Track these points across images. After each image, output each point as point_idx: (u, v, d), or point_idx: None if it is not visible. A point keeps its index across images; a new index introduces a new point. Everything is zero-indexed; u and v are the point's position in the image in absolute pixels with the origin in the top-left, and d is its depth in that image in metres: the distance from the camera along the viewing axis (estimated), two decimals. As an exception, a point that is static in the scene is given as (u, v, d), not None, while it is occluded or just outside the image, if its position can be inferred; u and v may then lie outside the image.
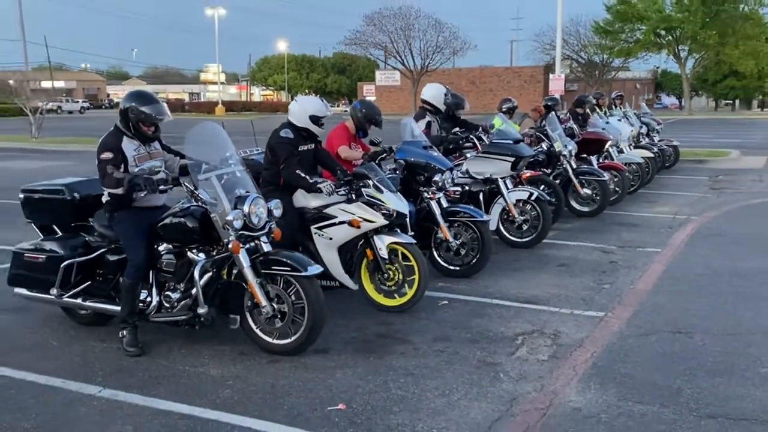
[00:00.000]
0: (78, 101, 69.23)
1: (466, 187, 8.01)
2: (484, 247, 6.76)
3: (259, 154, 6.84)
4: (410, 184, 6.71)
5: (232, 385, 4.40)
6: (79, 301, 5.22)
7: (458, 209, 6.89)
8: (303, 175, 5.67)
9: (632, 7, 54.46)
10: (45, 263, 5.19)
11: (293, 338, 4.77)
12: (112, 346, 5.05)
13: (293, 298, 4.75)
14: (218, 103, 62.26)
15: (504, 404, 4.11)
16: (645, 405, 4.08)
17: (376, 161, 6.54)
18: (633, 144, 12.96)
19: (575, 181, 9.81)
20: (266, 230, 4.85)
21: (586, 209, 10.03)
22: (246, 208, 4.66)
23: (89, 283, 5.23)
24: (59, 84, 68.65)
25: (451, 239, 6.74)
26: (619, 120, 12.85)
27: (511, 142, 8.15)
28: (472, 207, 7.08)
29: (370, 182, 5.73)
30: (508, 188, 8.08)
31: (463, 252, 6.82)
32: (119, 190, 4.78)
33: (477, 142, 8.22)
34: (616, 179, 10.73)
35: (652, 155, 13.00)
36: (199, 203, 4.74)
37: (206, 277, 4.77)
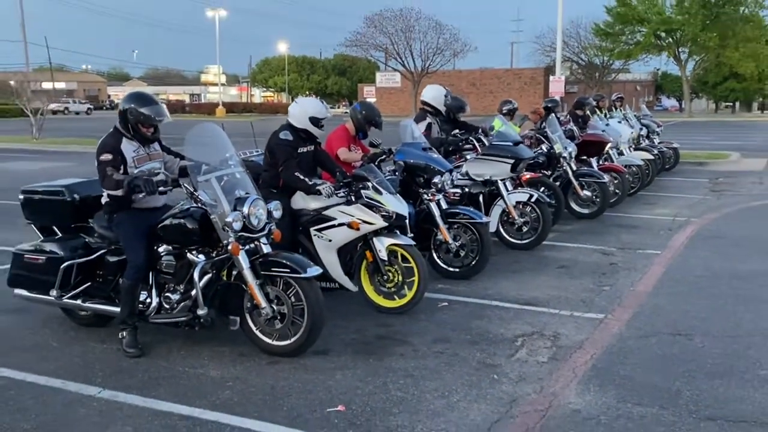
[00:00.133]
0: (85, 102, 70.04)
1: (466, 189, 8.02)
2: (483, 249, 6.76)
3: (259, 155, 6.84)
4: (410, 186, 6.71)
5: (231, 386, 4.40)
6: (78, 302, 5.22)
7: (457, 211, 6.89)
8: (302, 177, 5.67)
9: (632, 9, 54.49)
10: (45, 264, 5.19)
11: (293, 339, 4.77)
12: (112, 347, 5.05)
13: (293, 299, 4.75)
14: (219, 105, 62.29)
15: (503, 406, 4.12)
16: (644, 407, 4.08)
17: (376, 163, 6.54)
18: (633, 146, 12.96)
19: (575, 182, 9.82)
20: (266, 232, 4.85)
21: (586, 211, 10.03)
22: (245, 210, 4.66)
23: (89, 284, 5.23)
24: (60, 85, 68.75)
25: (450, 241, 6.74)
26: (619, 122, 12.85)
27: (510, 144, 8.15)
28: (471, 209, 7.08)
29: (370, 184, 5.74)
30: (507, 190, 8.09)
31: (462, 254, 6.82)
32: (119, 192, 4.79)
33: (477, 144, 8.22)
34: (616, 181, 10.74)
35: (652, 157, 12.99)
36: (199, 204, 4.74)
37: (206, 278, 4.77)
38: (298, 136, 5.92)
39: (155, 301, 4.96)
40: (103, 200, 5.07)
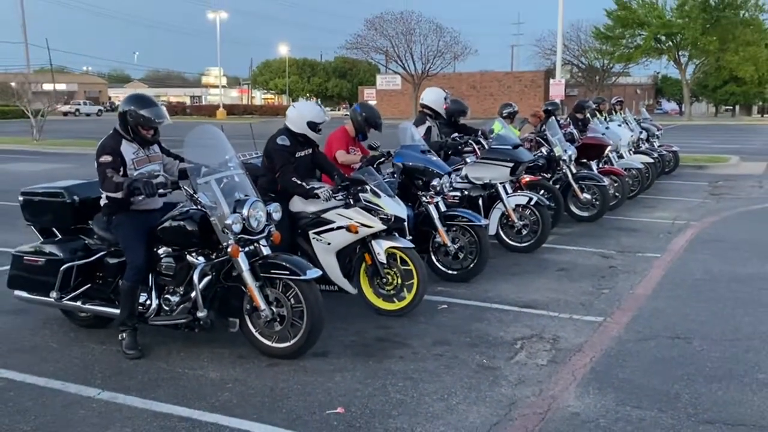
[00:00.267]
0: (95, 104, 71.49)
1: (466, 192, 8.02)
2: (481, 251, 6.77)
3: (258, 157, 6.84)
4: (408, 188, 6.71)
5: (231, 388, 4.41)
6: (78, 303, 5.22)
7: (456, 213, 6.90)
8: (299, 182, 5.67)
9: (633, 13, 54.54)
10: (45, 266, 5.20)
11: (292, 342, 4.77)
12: (112, 348, 5.06)
13: (292, 301, 4.75)
14: (219, 107, 62.35)
15: (503, 408, 4.12)
16: (643, 410, 4.08)
17: (374, 165, 6.54)
18: (633, 149, 12.98)
19: (575, 185, 9.82)
20: (265, 234, 4.85)
21: (585, 214, 10.04)
22: (245, 212, 4.67)
23: (89, 285, 5.23)
24: (61, 86, 68.76)
25: (448, 243, 6.75)
26: (619, 125, 12.86)
27: (510, 147, 8.16)
28: (469, 211, 7.08)
29: (368, 187, 5.74)
30: (507, 193, 8.09)
31: (461, 256, 6.83)
32: (118, 195, 4.79)
33: (476, 147, 8.23)
34: (615, 184, 10.74)
35: (651, 160, 13.01)
36: (199, 207, 4.75)
37: (205, 280, 4.78)
38: (295, 141, 5.92)
39: (155, 303, 4.97)
40: (102, 202, 5.08)
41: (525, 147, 8.79)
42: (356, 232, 5.62)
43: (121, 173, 4.86)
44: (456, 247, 6.79)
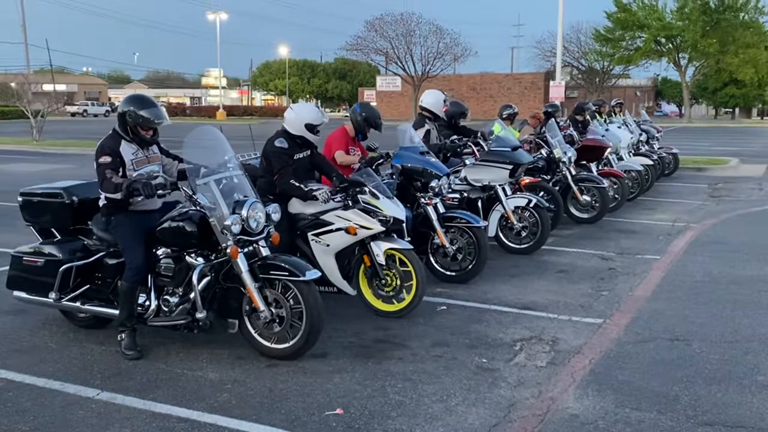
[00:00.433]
0: (103, 105, 72.01)
1: (465, 194, 8.02)
2: (480, 253, 6.77)
3: (257, 158, 6.85)
4: (407, 190, 6.71)
5: (230, 388, 4.40)
6: (77, 304, 5.22)
7: (455, 215, 6.90)
8: (297, 184, 5.67)
9: (633, 15, 54.65)
10: (44, 266, 5.19)
11: (291, 343, 4.77)
12: (111, 349, 5.05)
13: (291, 302, 4.75)
14: (219, 108, 62.36)
15: (502, 410, 4.12)
16: (642, 412, 4.08)
17: (373, 167, 6.55)
18: (632, 151, 12.99)
19: (574, 187, 9.83)
20: (265, 234, 4.85)
21: (585, 216, 10.04)
22: (244, 213, 4.67)
23: (88, 286, 5.23)
24: (61, 87, 68.81)
25: (447, 244, 6.75)
26: (619, 127, 12.87)
27: (509, 149, 8.15)
28: (468, 212, 7.08)
29: (366, 188, 5.73)
30: (506, 195, 8.09)
31: (459, 257, 6.83)
32: (117, 196, 4.79)
33: (475, 149, 8.23)
34: (615, 186, 10.75)
35: (651, 163, 13.02)
36: (198, 207, 4.75)
37: (204, 281, 4.77)
38: (293, 143, 5.92)
39: (154, 303, 4.96)
40: (101, 203, 5.07)
41: (524, 149, 8.78)
42: (355, 234, 5.62)
43: (121, 174, 4.86)
44: (455, 248, 6.79)
